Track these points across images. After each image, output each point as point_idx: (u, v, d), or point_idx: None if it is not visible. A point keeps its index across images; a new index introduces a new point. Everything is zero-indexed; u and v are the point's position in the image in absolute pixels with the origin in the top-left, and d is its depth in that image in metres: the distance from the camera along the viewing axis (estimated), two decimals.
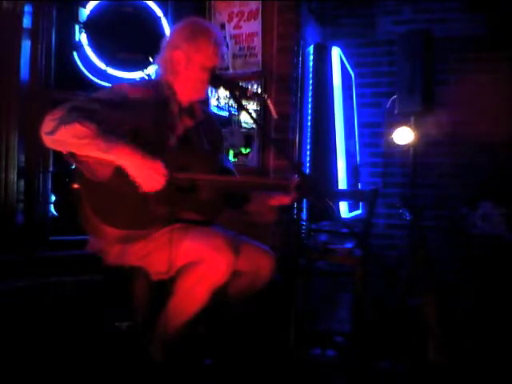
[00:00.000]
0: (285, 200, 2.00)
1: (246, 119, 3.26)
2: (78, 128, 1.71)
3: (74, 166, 1.88)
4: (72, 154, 1.80)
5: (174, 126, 1.98)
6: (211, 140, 2.15)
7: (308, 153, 3.42)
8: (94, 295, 2.32)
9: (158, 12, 3.15)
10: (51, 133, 1.73)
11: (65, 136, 1.73)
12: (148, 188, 1.81)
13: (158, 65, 2.07)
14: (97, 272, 2.04)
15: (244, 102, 3.12)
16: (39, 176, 2.71)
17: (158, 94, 1.97)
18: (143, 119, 1.88)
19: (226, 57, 3.29)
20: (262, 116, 3.19)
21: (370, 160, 4.18)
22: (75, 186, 1.86)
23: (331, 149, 3.54)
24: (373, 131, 4.17)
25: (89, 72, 2.97)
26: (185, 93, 2.02)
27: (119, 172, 1.80)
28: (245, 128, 3.27)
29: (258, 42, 3.25)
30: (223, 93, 3.30)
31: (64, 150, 1.80)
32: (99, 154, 1.75)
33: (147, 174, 1.79)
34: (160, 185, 1.81)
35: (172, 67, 1.99)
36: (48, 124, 1.74)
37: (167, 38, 2.05)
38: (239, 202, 2.09)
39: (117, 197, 1.81)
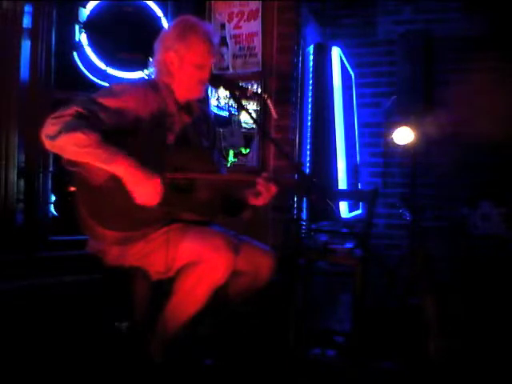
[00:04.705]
0: (256, 200, 1.96)
1: (246, 119, 3.26)
2: (80, 137, 1.71)
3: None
4: (69, 160, 1.80)
5: (173, 124, 1.98)
6: (208, 137, 2.16)
7: (308, 153, 3.43)
8: (94, 295, 2.31)
9: (158, 12, 3.15)
10: (52, 138, 1.73)
11: (66, 143, 1.73)
12: (142, 202, 1.81)
13: (154, 67, 2.07)
14: (97, 272, 2.04)
15: (244, 102, 3.11)
16: (39, 176, 2.71)
17: (156, 93, 1.97)
18: (142, 118, 1.88)
19: (226, 57, 3.30)
20: (262, 116, 3.19)
21: (369, 160, 4.19)
22: (72, 188, 1.85)
23: (331, 149, 3.54)
24: (373, 131, 4.18)
25: (89, 72, 2.97)
26: (182, 92, 2.01)
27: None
28: (245, 128, 3.27)
29: (258, 41, 3.25)
30: (223, 93, 3.30)
31: (63, 155, 1.79)
32: (99, 163, 1.75)
33: (144, 191, 1.79)
34: (154, 202, 1.81)
35: (166, 69, 1.98)
36: (50, 128, 1.74)
37: (159, 39, 2.02)
38: (236, 209, 2.08)
39: (113, 199, 1.81)
